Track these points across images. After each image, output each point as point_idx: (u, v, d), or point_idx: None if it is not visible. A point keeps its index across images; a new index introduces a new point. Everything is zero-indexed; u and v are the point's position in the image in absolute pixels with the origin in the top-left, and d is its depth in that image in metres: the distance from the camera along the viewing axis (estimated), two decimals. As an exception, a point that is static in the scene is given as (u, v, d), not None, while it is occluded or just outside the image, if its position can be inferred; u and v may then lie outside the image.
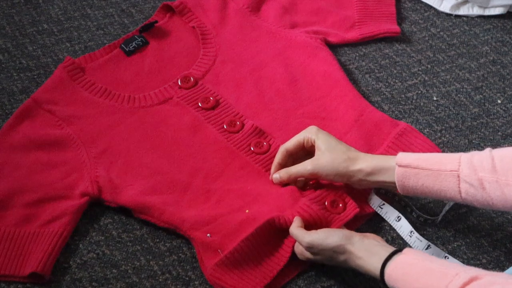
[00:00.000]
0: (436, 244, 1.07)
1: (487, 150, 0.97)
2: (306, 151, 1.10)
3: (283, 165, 1.11)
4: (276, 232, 1.05)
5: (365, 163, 1.03)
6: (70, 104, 1.22)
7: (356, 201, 1.08)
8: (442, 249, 1.07)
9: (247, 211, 1.08)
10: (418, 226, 1.09)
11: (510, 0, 1.40)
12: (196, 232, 1.06)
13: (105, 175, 1.12)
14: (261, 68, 1.29)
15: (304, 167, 1.07)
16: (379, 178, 1.03)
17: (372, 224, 1.10)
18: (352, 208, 1.07)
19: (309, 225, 1.04)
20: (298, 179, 1.10)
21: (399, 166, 1.00)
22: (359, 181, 1.05)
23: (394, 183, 1.01)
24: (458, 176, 0.96)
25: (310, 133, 1.08)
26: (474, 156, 0.96)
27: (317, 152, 1.07)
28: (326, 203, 1.07)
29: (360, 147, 1.16)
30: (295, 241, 1.03)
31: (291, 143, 1.10)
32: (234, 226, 1.05)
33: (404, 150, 1.15)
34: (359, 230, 1.06)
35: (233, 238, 1.04)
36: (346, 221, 1.05)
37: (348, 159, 1.04)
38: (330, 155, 1.05)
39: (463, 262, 1.06)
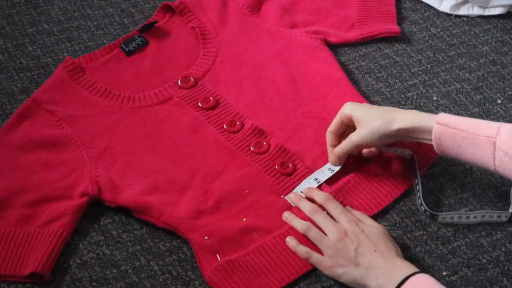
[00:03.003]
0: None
1: None
2: (349, 128, 1.12)
3: (336, 146, 1.13)
4: (281, 249, 1.05)
5: (403, 121, 1.05)
6: (70, 104, 1.22)
7: (354, 206, 1.09)
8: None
9: (244, 219, 1.08)
10: (420, 219, 1.09)
11: (510, 0, 1.40)
12: (193, 234, 1.06)
13: (105, 175, 1.12)
14: (261, 68, 1.29)
15: (349, 141, 1.09)
16: (419, 135, 1.04)
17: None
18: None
19: (306, 239, 1.05)
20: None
21: (438, 124, 1.01)
22: (405, 138, 1.07)
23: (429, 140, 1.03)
24: (494, 144, 0.96)
25: (345, 109, 1.10)
26: None
27: (356, 125, 1.09)
28: (326, 211, 1.08)
29: (360, 147, 1.17)
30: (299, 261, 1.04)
31: (332, 125, 1.13)
32: (232, 233, 1.06)
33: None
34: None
35: (231, 245, 1.05)
36: None
37: (386, 121, 1.06)
38: (368, 123, 1.07)
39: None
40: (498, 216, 1.09)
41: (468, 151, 0.99)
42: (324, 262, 1.01)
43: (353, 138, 1.08)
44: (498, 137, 0.96)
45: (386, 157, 1.15)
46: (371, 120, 1.07)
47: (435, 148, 1.03)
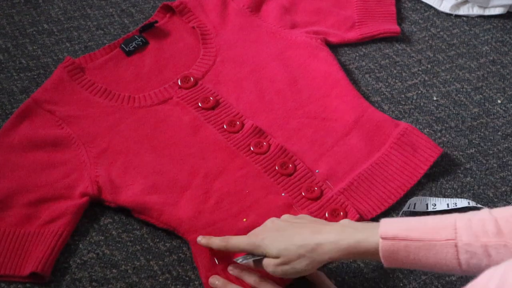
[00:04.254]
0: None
1: (485, 211, 0.83)
2: None
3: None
4: None
5: (332, 250, 0.89)
6: (70, 104, 1.22)
7: (356, 208, 1.09)
8: None
9: (244, 220, 1.08)
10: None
11: (510, 0, 1.40)
12: (193, 235, 1.06)
13: (105, 175, 1.12)
14: (261, 68, 1.29)
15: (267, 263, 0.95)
16: (360, 257, 0.90)
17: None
18: (352, 216, 1.07)
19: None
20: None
21: (384, 239, 0.85)
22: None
23: (378, 258, 0.87)
24: (456, 246, 0.81)
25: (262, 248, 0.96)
26: (472, 219, 0.82)
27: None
28: (326, 214, 1.08)
29: (361, 148, 1.17)
30: None
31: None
32: (232, 234, 1.05)
33: (406, 151, 1.15)
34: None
35: None
36: None
37: (310, 256, 0.91)
38: (288, 259, 0.92)
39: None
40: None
41: (428, 260, 0.83)
42: None
43: (270, 269, 0.94)
44: (458, 237, 0.81)
45: (389, 158, 1.15)
46: (291, 257, 0.92)
47: (384, 265, 0.86)
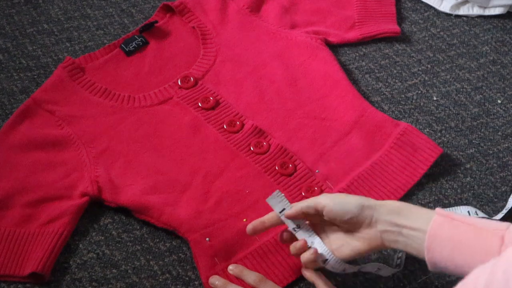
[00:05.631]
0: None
1: None
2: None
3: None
4: (281, 250, 1.05)
5: (387, 202, 0.92)
6: (70, 104, 1.22)
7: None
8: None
9: (245, 220, 1.08)
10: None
11: (510, 0, 1.40)
12: (194, 234, 1.06)
13: (105, 175, 1.12)
14: (261, 68, 1.29)
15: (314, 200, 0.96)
16: (404, 220, 0.88)
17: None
18: None
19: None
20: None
21: (439, 214, 0.87)
22: (376, 224, 0.91)
23: (421, 231, 0.87)
24: (503, 238, 0.82)
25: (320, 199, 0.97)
26: None
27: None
28: None
29: (361, 148, 1.17)
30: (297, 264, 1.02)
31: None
32: (232, 234, 1.06)
33: (406, 151, 1.15)
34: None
35: (231, 246, 1.05)
36: None
37: (363, 202, 0.93)
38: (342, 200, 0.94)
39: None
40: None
41: (469, 243, 0.83)
42: None
43: (322, 201, 0.95)
44: (508, 231, 0.82)
45: (389, 158, 1.15)
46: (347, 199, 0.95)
47: (426, 242, 0.85)
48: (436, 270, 0.87)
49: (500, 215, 1.09)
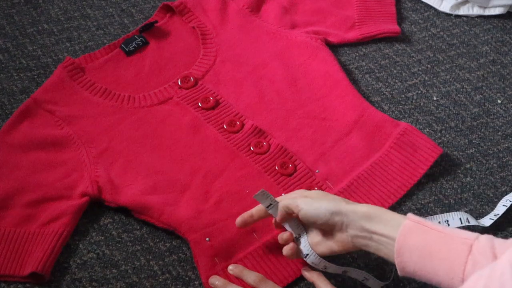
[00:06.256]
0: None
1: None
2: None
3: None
4: (281, 250, 1.05)
5: (361, 205, 0.94)
6: (70, 104, 1.22)
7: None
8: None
9: None
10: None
11: (510, 0, 1.40)
12: (194, 234, 1.06)
13: (105, 175, 1.12)
14: (261, 68, 1.29)
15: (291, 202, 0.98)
16: (375, 226, 0.90)
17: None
18: None
19: None
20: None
21: (409, 219, 0.88)
22: (347, 229, 0.94)
23: (390, 237, 0.88)
24: (471, 247, 0.82)
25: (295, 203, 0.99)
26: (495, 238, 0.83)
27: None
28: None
29: (361, 148, 1.17)
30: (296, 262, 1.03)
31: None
32: (232, 234, 1.06)
33: (406, 151, 1.15)
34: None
35: (231, 246, 1.05)
36: None
37: (338, 203, 0.95)
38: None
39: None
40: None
41: (438, 252, 0.83)
42: None
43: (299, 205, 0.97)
44: (477, 241, 0.82)
45: (389, 158, 1.15)
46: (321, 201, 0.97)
47: (396, 246, 0.86)
48: (406, 275, 0.88)
49: (490, 222, 1.08)
